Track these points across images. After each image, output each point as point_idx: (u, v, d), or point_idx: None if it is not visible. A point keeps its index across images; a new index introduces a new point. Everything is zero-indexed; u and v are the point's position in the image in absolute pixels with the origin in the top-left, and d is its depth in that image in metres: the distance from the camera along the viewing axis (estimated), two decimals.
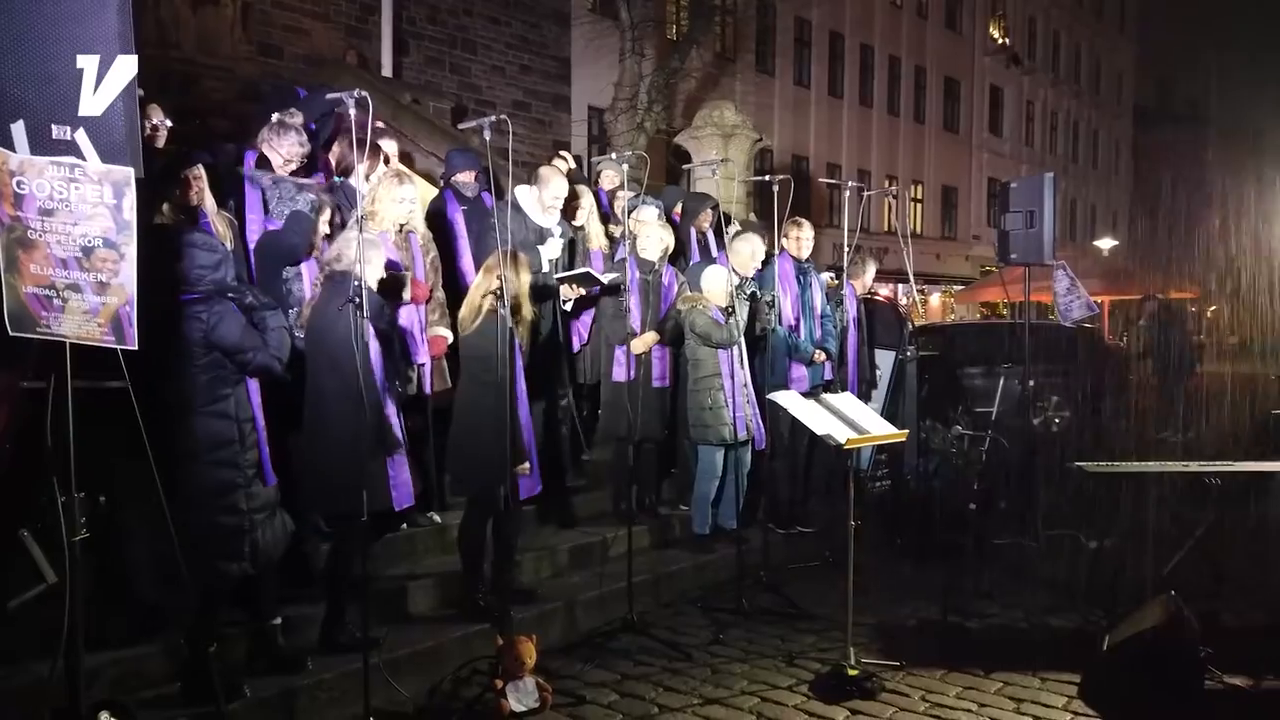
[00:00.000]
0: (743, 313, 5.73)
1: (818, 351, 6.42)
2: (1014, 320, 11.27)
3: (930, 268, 27.69)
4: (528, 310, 4.56)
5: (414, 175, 5.97)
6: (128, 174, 2.45)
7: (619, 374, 5.73)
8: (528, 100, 16.58)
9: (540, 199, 5.57)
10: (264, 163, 4.65)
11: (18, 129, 2.38)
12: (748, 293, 5.83)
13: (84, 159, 2.40)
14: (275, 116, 4.75)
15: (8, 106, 2.38)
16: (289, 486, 3.99)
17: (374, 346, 3.87)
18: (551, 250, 5.47)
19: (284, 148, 4.61)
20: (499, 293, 4.40)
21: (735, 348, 5.71)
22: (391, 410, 4.07)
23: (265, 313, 3.58)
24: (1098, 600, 5.23)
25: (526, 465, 4.46)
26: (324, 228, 4.42)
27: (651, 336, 5.73)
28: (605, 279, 5.62)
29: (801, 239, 6.52)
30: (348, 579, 4.04)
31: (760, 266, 6.30)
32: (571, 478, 6.00)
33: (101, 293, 2.48)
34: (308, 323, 4.03)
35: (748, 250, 6.08)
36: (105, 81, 2.43)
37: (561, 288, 5.63)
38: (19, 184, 2.37)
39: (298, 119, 4.80)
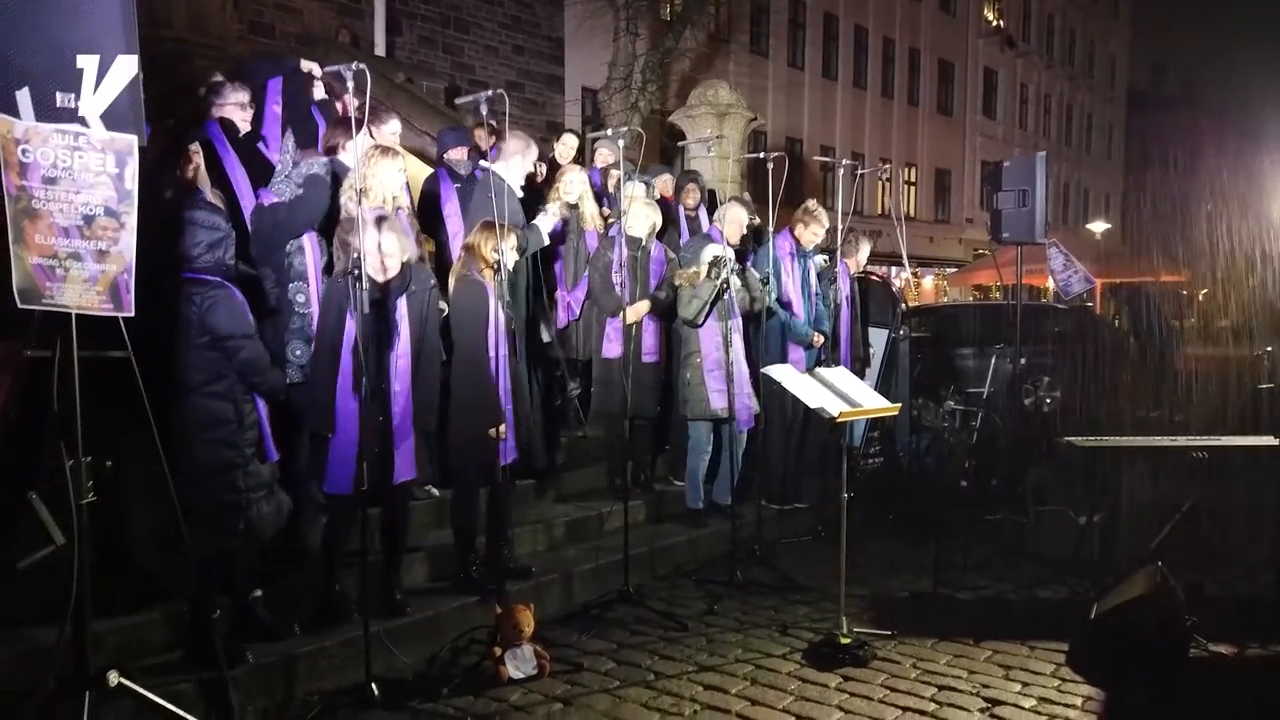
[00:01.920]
0: (707, 291, 5.69)
1: (816, 335, 6.45)
2: (1006, 301, 11.34)
3: (923, 250, 27.74)
4: (495, 275, 4.55)
5: (401, 150, 5.99)
6: (130, 142, 2.47)
7: (610, 350, 5.78)
8: (521, 80, 16.53)
9: (521, 167, 5.53)
10: (228, 127, 4.62)
11: (23, 96, 2.39)
12: (723, 273, 5.69)
13: (88, 127, 2.43)
14: (215, 78, 4.72)
15: (13, 73, 2.40)
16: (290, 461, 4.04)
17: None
18: (546, 224, 5.43)
19: (236, 97, 4.58)
20: (476, 261, 4.48)
21: (723, 326, 5.72)
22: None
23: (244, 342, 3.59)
24: (1086, 573, 5.32)
25: (503, 428, 4.49)
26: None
27: (643, 305, 5.73)
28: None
29: (814, 231, 6.47)
30: (344, 552, 4.09)
31: (755, 245, 6.34)
32: (565, 454, 6.06)
33: (101, 260, 2.50)
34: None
35: (733, 219, 6.09)
36: (106, 80, 2.46)
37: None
38: (24, 152, 2.39)
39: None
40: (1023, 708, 3.75)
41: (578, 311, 6.13)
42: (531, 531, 5.36)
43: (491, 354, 4.45)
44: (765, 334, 6.26)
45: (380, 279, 3.87)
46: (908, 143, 29.10)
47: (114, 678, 2.70)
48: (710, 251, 5.78)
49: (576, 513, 5.70)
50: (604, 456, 6.22)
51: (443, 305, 5.01)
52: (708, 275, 5.67)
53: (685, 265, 6.07)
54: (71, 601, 2.59)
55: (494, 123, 4.84)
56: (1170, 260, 16.54)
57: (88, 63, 2.46)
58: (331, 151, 4.45)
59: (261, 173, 4.58)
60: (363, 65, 3.50)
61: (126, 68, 2.50)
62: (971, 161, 32.26)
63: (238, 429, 3.56)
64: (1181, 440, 5.13)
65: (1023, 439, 7.01)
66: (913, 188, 29.68)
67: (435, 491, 5.27)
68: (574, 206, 6.14)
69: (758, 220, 6.94)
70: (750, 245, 6.66)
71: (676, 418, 6.25)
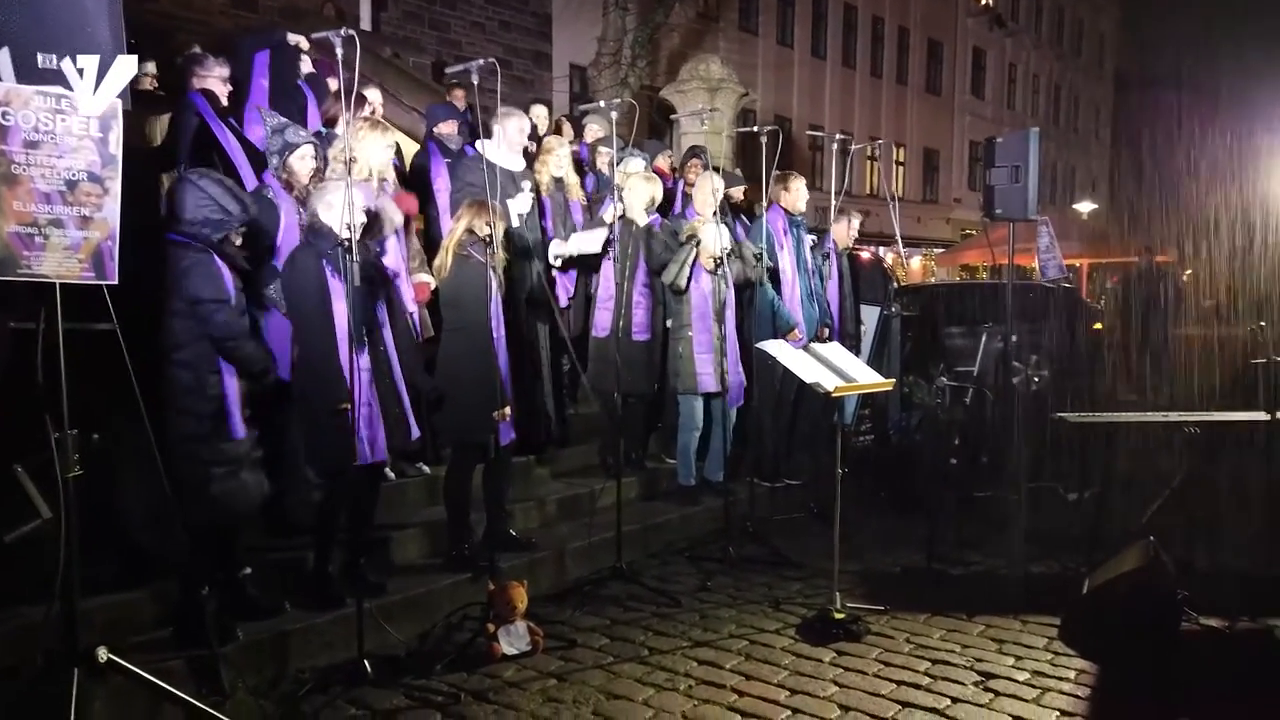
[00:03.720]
0: (683, 254, 5.67)
1: (795, 330, 6.29)
2: (995, 281, 11.35)
3: (911, 230, 27.72)
4: (502, 256, 4.51)
5: (389, 124, 5.91)
6: (115, 106, 2.40)
7: (601, 329, 5.73)
8: (508, 57, 16.35)
9: (507, 140, 5.47)
10: (212, 99, 4.54)
11: (2, 56, 2.32)
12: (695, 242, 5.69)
13: (71, 90, 2.35)
14: (193, 49, 4.65)
15: None
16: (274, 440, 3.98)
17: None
18: (521, 205, 5.37)
19: (219, 70, 4.51)
20: (473, 239, 4.41)
21: (714, 300, 5.68)
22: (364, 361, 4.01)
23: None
24: (1077, 549, 5.33)
25: (507, 410, 4.46)
26: (306, 174, 4.30)
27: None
28: (593, 245, 5.62)
29: (796, 188, 6.48)
30: (336, 530, 4.05)
31: (749, 220, 6.29)
32: (559, 431, 6.01)
33: (84, 227, 2.44)
34: (286, 271, 3.95)
35: (707, 186, 5.99)
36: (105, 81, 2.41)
37: (552, 246, 5.64)
38: (4, 115, 2.31)
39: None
40: (1017, 681, 3.76)
41: (573, 291, 6.08)
42: (524, 508, 5.33)
43: (494, 335, 4.40)
44: (757, 310, 6.23)
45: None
46: (896, 122, 29.02)
47: (103, 654, 2.66)
48: (708, 232, 5.72)
49: (569, 490, 5.68)
50: (596, 434, 6.19)
51: (426, 278, 4.96)
52: (685, 241, 5.67)
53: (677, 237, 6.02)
54: (59, 576, 2.54)
55: (477, 100, 4.77)
56: (1157, 240, 16.57)
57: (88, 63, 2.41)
58: (332, 123, 4.39)
59: (246, 150, 4.52)
60: (351, 31, 3.43)
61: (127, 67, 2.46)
62: (960, 141, 32.23)
63: (200, 399, 3.48)
64: (1174, 416, 5.14)
65: (1012, 416, 7.01)
66: (901, 168, 29.64)
67: (426, 469, 5.23)
68: (559, 179, 6.07)
69: (742, 192, 6.89)
70: (728, 217, 6.60)
71: (669, 396, 6.21)
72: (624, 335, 5.61)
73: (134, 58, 2.52)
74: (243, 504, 3.66)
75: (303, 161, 4.28)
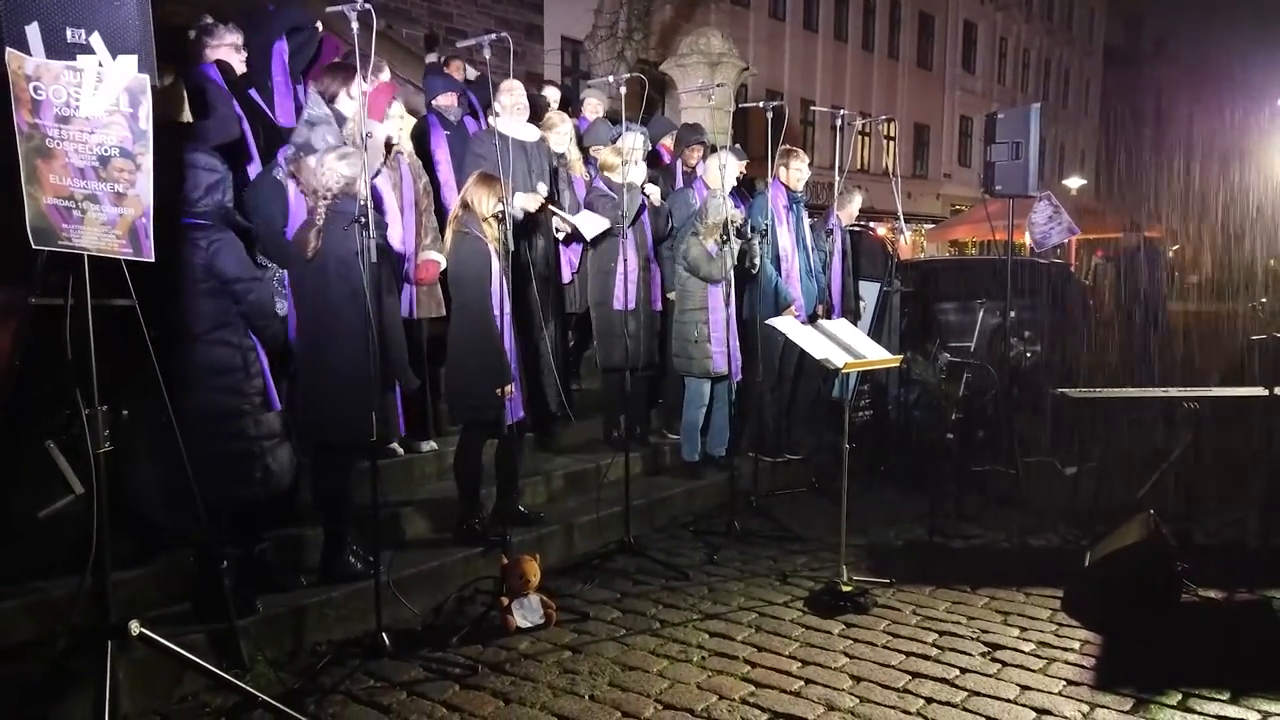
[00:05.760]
0: (727, 251, 5.68)
1: (792, 306, 6.30)
2: (992, 257, 11.40)
3: (902, 206, 27.70)
4: (495, 234, 4.47)
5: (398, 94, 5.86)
6: (143, 81, 2.38)
7: (618, 302, 5.72)
8: (499, 29, 16.18)
9: (509, 110, 5.46)
10: (225, 70, 4.48)
11: (32, 31, 2.30)
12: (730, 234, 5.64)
13: (101, 65, 2.34)
14: (204, 20, 4.56)
15: (23, 6, 2.30)
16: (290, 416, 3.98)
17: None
18: (528, 202, 5.34)
19: (231, 38, 4.43)
20: (471, 216, 4.41)
21: (725, 283, 5.71)
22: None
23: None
24: (1077, 522, 5.42)
25: (510, 387, 4.47)
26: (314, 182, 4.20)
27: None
28: (593, 230, 5.61)
29: (797, 168, 6.49)
30: (346, 506, 4.06)
31: (750, 196, 6.30)
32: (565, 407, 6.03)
33: (119, 204, 2.43)
34: (315, 249, 3.89)
35: (716, 164, 6.02)
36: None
37: (554, 220, 5.61)
38: (36, 89, 2.30)
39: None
40: (1023, 651, 3.84)
41: (576, 265, 6.07)
42: (532, 483, 5.36)
43: (496, 312, 4.38)
44: (761, 289, 6.25)
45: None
46: (888, 96, 28.94)
47: (135, 627, 2.68)
48: (717, 209, 5.69)
49: (575, 465, 5.71)
50: (600, 409, 6.21)
51: (435, 256, 4.94)
52: (722, 238, 5.64)
53: (677, 217, 6.04)
54: (93, 551, 2.56)
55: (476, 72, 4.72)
56: (1147, 216, 16.67)
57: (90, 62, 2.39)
58: (331, 100, 4.33)
59: (256, 116, 4.46)
60: (368, 6, 3.40)
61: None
62: (950, 116, 32.19)
63: (244, 377, 3.51)
64: (1173, 391, 5.21)
65: (1009, 391, 7.09)
66: (891, 142, 29.59)
67: (434, 445, 5.25)
68: (560, 155, 6.05)
69: (743, 167, 6.89)
70: (743, 194, 6.63)
71: (668, 371, 6.24)
72: (633, 309, 5.62)
73: (134, 57, 2.47)
74: (287, 475, 3.70)
75: (317, 177, 4.14)
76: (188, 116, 3.91)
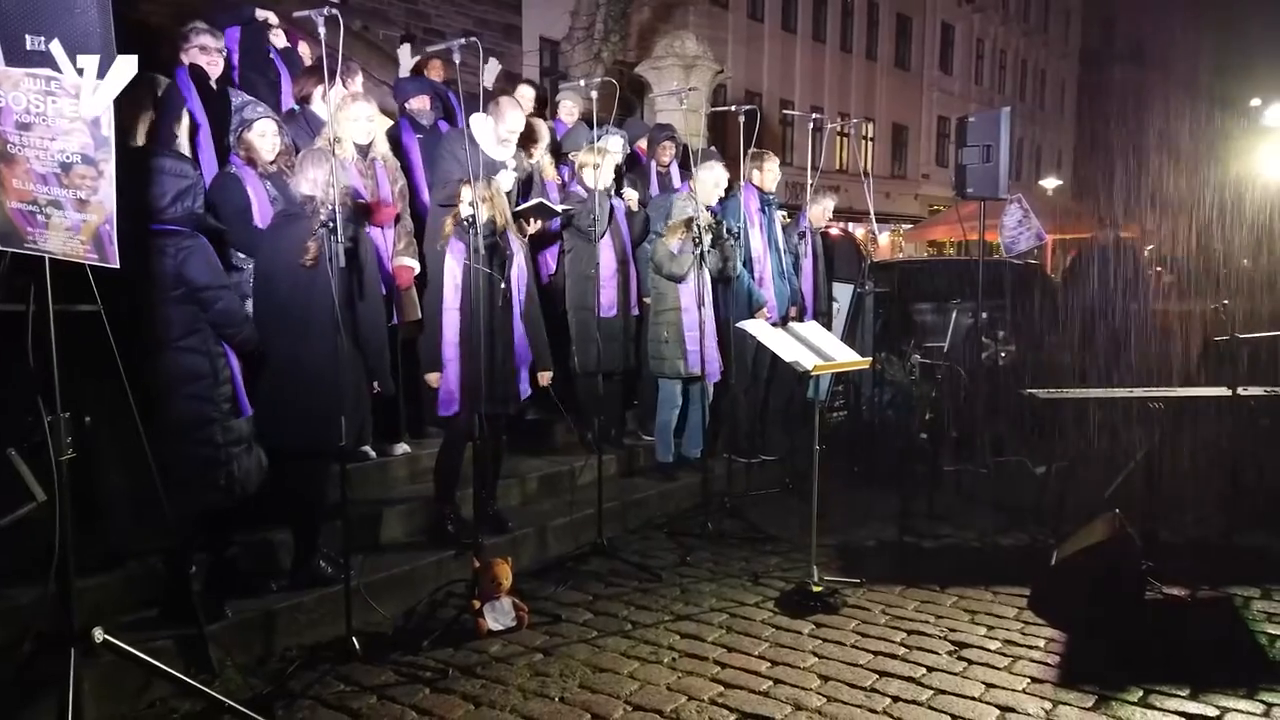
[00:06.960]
0: (690, 247, 5.71)
1: (764, 308, 6.34)
2: (965, 258, 11.50)
3: (880, 206, 27.56)
4: (502, 221, 4.51)
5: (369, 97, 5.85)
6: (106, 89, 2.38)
7: (601, 309, 5.73)
8: (477, 30, 16.14)
9: (496, 131, 5.43)
10: (198, 75, 4.48)
11: None
12: (699, 232, 5.70)
13: (60, 71, 2.33)
14: (190, 25, 4.56)
15: None
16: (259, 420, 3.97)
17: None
18: (504, 184, 5.36)
19: (199, 40, 4.43)
20: (464, 219, 4.41)
21: (699, 283, 5.73)
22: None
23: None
24: (1045, 521, 5.49)
25: (435, 375, 4.50)
26: (268, 150, 4.25)
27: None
28: (560, 209, 5.60)
29: (769, 169, 6.54)
30: (317, 511, 4.06)
31: (724, 198, 6.33)
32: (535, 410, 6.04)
33: (82, 210, 2.42)
34: (264, 251, 3.91)
35: (711, 179, 6.09)
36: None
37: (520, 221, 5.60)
38: None
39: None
40: (989, 649, 3.88)
41: (553, 268, 6.08)
42: (505, 485, 5.35)
43: (465, 319, 4.42)
44: (735, 292, 6.28)
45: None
46: (866, 98, 29.11)
47: (99, 634, 2.68)
48: (682, 209, 5.75)
49: (549, 467, 5.72)
50: (574, 412, 6.21)
51: (409, 262, 4.94)
52: (687, 233, 5.67)
53: (655, 221, 6.06)
54: (55, 557, 2.55)
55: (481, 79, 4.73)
56: (1119, 216, 16.84)
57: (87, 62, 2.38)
58: (305, 101, 4.32)
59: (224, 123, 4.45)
60: (334, 10, 3.40)
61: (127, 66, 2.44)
62: (928, 117, 32.40)
63: (213, 384, 3.51)
64: (1138, 392, 5.28)
65: (980, 392, 7.17)
66: (869, 143, 29.76)
67: (407, 448, 5.25)
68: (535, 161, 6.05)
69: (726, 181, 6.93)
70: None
71: (644, 373, 6.26)
72: (614, 314, 5.66)
73: (134, 58, 2.48)
74: (255, 480, 3.69)
75: (263, 139, 4.16)
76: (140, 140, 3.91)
